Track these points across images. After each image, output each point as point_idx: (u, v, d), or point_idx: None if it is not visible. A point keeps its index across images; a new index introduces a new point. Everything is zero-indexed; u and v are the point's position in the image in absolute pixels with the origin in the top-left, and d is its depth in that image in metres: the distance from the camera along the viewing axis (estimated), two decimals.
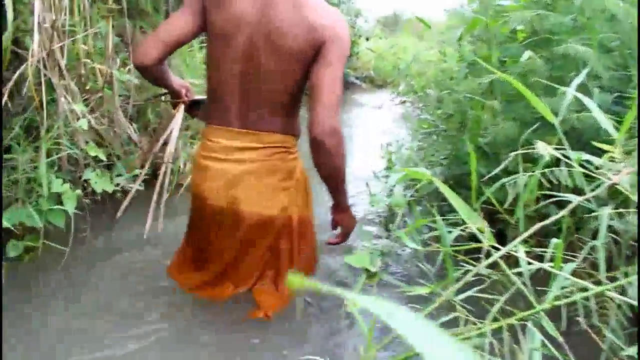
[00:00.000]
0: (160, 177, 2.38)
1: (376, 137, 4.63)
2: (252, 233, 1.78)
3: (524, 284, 1.10)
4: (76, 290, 1.98)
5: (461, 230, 1.78)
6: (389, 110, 6.63)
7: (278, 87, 1.67)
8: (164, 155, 3.23)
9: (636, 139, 1.53)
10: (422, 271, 1.95)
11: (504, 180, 1.64)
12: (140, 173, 3.06)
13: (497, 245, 1.13)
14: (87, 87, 2.74)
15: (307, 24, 1.58)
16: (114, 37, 3.11)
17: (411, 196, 2.64)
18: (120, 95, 3.13)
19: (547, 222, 1.22)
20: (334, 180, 1.73)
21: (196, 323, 1.80)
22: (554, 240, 1.12)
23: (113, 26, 3.56)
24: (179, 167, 3.18)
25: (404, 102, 6.62)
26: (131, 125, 3.15)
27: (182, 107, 2.05)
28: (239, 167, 1.73)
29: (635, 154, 1.27)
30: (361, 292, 1.68)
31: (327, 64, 1.59)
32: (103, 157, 2.41)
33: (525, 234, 1.14)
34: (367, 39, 7.59)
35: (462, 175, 2.23)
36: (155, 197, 2.27)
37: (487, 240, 1.15)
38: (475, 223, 1.11)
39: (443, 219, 1.44)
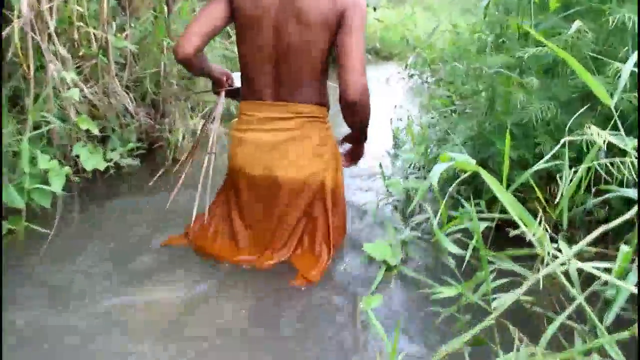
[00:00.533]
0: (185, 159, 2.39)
1: (385, 112, 4.41)
2: (287, 198, 1.87)
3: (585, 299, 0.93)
4: (57, 278, 1.81)
5: (491, 222, 1.61)
6: (397, 84, 6.38)
7: (307, 58, 1.77)
8: (170, 130, 3.06)
9: None
10: (442, 263, 1.78)
11: (540, 165, 1.45)
12: (136, 148, 2.89)
13: (556, 252, 0.95)
14: (80, 54, 2.52)
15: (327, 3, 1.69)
16: (110, 0, 2.88)
17: (425, 179, 2.46)
18: (116, 63, 2.91)
19: (611, 225, 1.04)
20: (364, 129, 1.90)
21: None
22: (624, 248, 0.94)
23: None
24: (177, 140, 2.98)
25: (412, 75, 6.36)
26: (128, 95, 2.94)
27: (223, 93, 2.08)
28: (274, 136, 1.84)
29: None
30: (379, 287, 1.50)
31: (351, 30, 1.70)
32: (95, 130, 2.21)
33: (590, 237, 0.97)
34: (375, 9, 7.26)
35: (487, 159, 2.04)
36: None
37: (544, 245, 0.97)
38: (532, 228, 0.94)
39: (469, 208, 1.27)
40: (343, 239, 2.05)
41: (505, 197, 0.91)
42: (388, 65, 8.26)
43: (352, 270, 1.89)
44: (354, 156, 2.09)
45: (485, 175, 0.95)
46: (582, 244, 0.92)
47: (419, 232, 2.02)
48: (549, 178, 1.96)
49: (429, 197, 2.42)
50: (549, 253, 0.93)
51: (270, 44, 1.77)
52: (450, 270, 1.60)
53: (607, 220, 1.81)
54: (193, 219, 1.99)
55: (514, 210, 0.91)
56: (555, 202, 1.78)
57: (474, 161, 1.02)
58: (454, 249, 1.19)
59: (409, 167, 2.79)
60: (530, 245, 1.08)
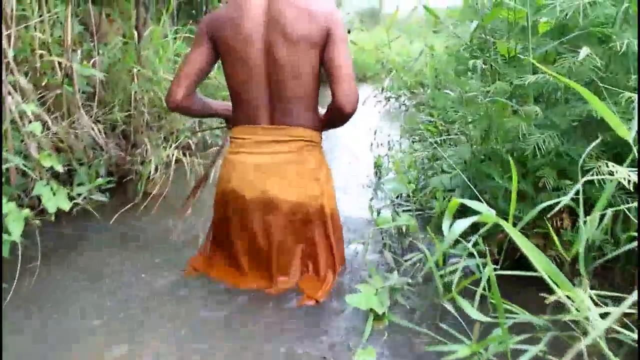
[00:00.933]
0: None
1: (363, 137, 4.31)
2: (284, 220, 1.86)
3: None
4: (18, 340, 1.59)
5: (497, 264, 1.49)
6: (374, 107, 6.30)
7: (298, 78, 1.80)
8: (142, 162, 2.88)
9: None
10: (440, 309, 1.64)
11: (548, 202, 1.33)
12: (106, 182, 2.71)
13: (595, 313, 0.82)
14: (43, 83, 2.35)
15: (311, 14, 1.75)
16: (76, 25, 2.72)
17: (418, 213, 2.32)
18: (83, 93, 2.74)
19: None
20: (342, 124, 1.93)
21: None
22: None
23: (77, 14, 3.16)
24: (150, 172, 2.80)
25: (389, 98, 6.30)
26: (96, 126, 2.76)
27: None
28: (271, 159, 1.84)
29: None
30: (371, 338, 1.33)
31: (338, 44, 1.78)
32: (60, 167, 2.03)
33: (632, 299, 0.84)
34: (349, 32, 7.22)
35: (482, 191, 1.93)
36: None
37: (577, 306, 0.84)
38: (566, 289, 0.81)
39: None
40: (342, 267, 2.04)
41: (545, 266, 0.78)
42: (362, 87, 8.20)
43: (343, 319, 1.73)
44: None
45: (518, 238, 0.82)
46: (627, 304, 0.79)
47: (411, 273, 1.87)
48: (550, 208, 1.86)
49: (420, 231, 2.29)
50: (587, 318, 0.80)
51: (261, 67, 1.80)
52: (450, 316, 1.46)
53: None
54: (200, 249, 2.09)
55: (554, 278, 0.78)
56: (564, 237, 1.69)
57: (493, 212, 0.89)
58: (478, 316, 1.05)
59: (397, 198, 2.66)
60: (545, 288, 0.96)
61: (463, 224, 0.89)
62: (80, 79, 2.65)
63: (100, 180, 2.25)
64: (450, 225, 0.96)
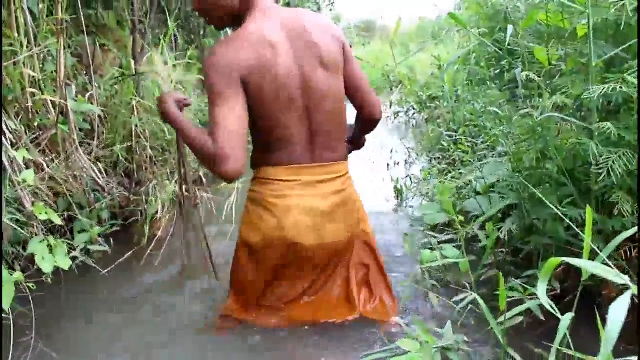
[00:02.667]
0: None
1: (376, 154, 4.08)
2: (338, 258, 1.80)
3: None
4: None
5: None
6: (383, 122, 6.10)
7: (337, 104, 1.71)
8: (147, 201, 2.66)
9: None
10: None
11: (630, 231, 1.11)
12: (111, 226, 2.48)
13: None
14: (36, 124, 2.13)
15: (332, 34, 1.69)
16: (69, 58, 2.52)
17: (457, 244, 2.08)
18: (80, 130, 2.53)
19: None
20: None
21: None
22: None
23: (69, 45, 2.97)
24: (155, 212, 2.57)
25: (398, 113, 6.11)
26: (96, 166, 2.55)
27: None
28: (324, 201, 1.72)
29: None
30: None
31: (352, 59, 1.77)
32: (57, 219, 1.81)
33: None
34: (350, 46, 7.05)
35: (531, 225, 1.70)
36: None
37: None
38: None
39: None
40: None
41: None
42: None
43: None
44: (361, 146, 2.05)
45: None
46: None
47: (463, 331, 1.61)
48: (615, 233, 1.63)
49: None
50: None
51: (300, 101, 1.64)
52: None
53: None
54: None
55: None
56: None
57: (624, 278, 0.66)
58: None
59: (432, 229, 2.41)
60: None
61: (619, 310, 0.65)
62: (77, 115, 2.45)
63: (97, 230, 2.02)
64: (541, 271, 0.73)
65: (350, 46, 1.82)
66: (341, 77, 1.70)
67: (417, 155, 3.86)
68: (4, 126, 1.93)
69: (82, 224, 2.27)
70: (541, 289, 0.85)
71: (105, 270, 2.19)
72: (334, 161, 1.74)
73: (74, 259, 2.03)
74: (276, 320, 1.78)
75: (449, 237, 2.18)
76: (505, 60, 3.24)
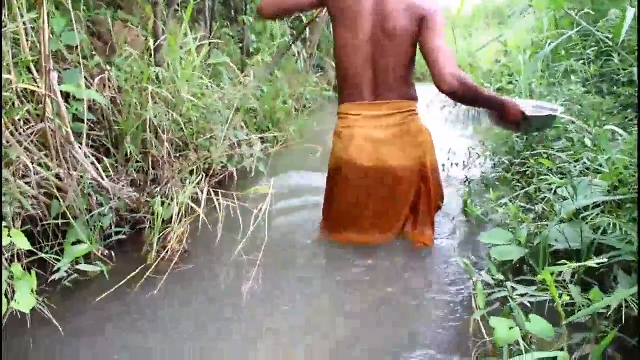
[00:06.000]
0: None
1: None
2: (398, 182, 2.15)
3: None
4: None
5: None
6: (440, 110, 5.53)
7: (398, 61, 2.07)
8: (162, 203, 2.25)
9: None
10: None
11: None
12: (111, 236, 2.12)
13: None
14: (17, 117, 1.77)
15: (407, 5, 2.00)
16: (75, 35, 2.14)
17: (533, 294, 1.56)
18: (88, 121, 2.15)
19: None
20: (474, 104, 2.15)
21: None
22: None
23: (88, 20, 2.61)
24: (169, 219, 2.16)
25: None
26: (103, 162, 2.18)
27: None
28: (382, 132, 2.12)
29: None
30: None
31: (430, 30, 1.97)
32: (24, 244, 1.44)
33: None
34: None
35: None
36: None
37: None
38: None
39: None
40: (442, 202, 2.38)
41: None
42: (422, 86, 7.42)
43: None
44: (502, 120, 2.05)
45: None
46: None
47: None
48: None
49: None
50: None
51: (367, 48, 2.06)
52: None
53: None
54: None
55: None
56: None
57: None
58: None
59: (502, 265, 1.90)
60: None
61: None
62: (77, 104, 2.08)
63: (84, 248, 1.65)
64: None
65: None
66: (408, 42, 2.02)
67: (479, 155, 3.32)
68: None
69: (75, 233, 1.91)
70: None
71: (98, 299, 1.79)
72: (395, 100, 2.11)
73: (55, 283, 1.67)
74: (348, 238, 2.23)
75: (531, 290, 1.63)
76: (617, 56, 2.67)
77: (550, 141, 2.66)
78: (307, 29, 5.17)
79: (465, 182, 2.86)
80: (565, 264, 1.31)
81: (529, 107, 2.12)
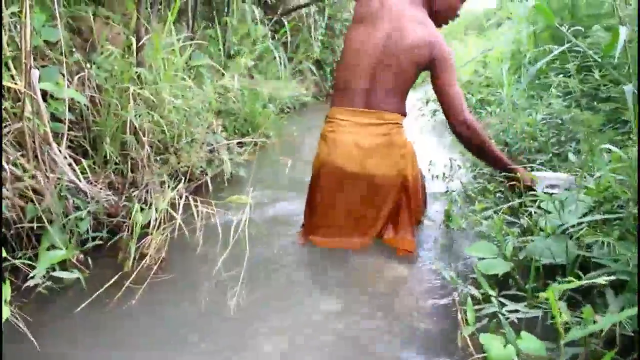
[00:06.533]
0: None
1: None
2: (379, 190, 2.18)
3: None
4: None
5: None
6: (415, 120, 5.52)
7: (398, 79, 2.14)
8: (141, 209, 2.16)
9: None
10: None
11: None
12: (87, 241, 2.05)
13: None
14: None
15: (421, 41, 2.10)
16: (57, 31, 2.07)
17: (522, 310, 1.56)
18: (70, 123, 2.08)
19: None
20: (480, 155, 2.25)
21: None
22: None
23: (74, 17, 2.53)
24: (149, 222, 2.09)
25: (436, 111, 5.55)
26: (81, 164, 2.11)
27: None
28: (368, 141, 2.15)
29: None
30: None
31: (441, 71, 2.11)
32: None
33: None
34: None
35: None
36: None
37: None
38: None
39: None
40: (423, 213, 2.50)
41: None
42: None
43: None
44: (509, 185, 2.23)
45: None
46: None
47: None
48: None
49: None
50: None
51: (372, 58, 2.13)
52: None
53: None
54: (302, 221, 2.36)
55: None
56: None
57: None
58: None
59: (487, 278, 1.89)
60: None
61: None
62: (57, 103, 2.01)
63: (60, 255, 1.58)
64: None
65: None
66: (415, 71, 2.13)
67: (459, 167, 3.33)
68: None
69: (51, 238, 1.84)
70: None
71: (75, 310, 1.70)
72: (384, 110, 2.14)
73: (29, 291, 1.59)
74: (327, 241, 2.24)
75: (520, 306, 1.60)
76: (598, 71, 2.71)
77: (533, 153, 2.68)
78: (288, 32, 5.15)
79: (446, 192, 2.86)
80: (557, 280, 1.31)
81: (544, 180, 2.16)
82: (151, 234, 2.04)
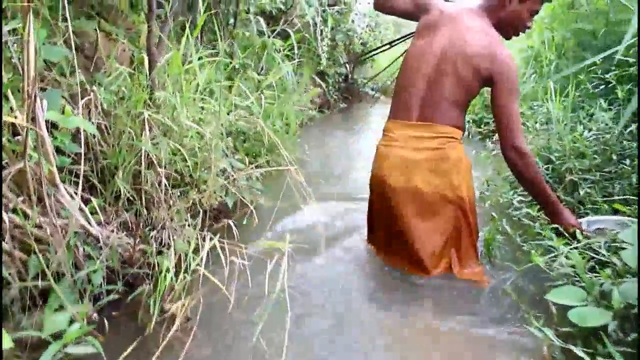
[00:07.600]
0: None
1: None
2: (429, 207, 2.06)
3: None
4: None
5: None
6: None
7: (455, 86, 2.03)
8: (160, 252, 1.84)
9: None
10: None
11: None
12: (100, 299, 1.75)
13: None
14: None
15: (483, 50, 1.99)
16: (58, 49, 1.77)
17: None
18: (72, 154, 1.78)
19: None
20: (531, 190, 2.05)
21: None
22: None
23: (75, 32, 2.22)
24: (169, 272, 1.78)
25: (467, 121, 5.30)
26: (86, 205, 1.80)
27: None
28: (416, 155, 2.06)
29: None
30: None
31: (499, 91, 1.97)
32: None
33: None
34: (391, 45, 6.18)
35: None
36: None
37: None
38: None
39: None
40: (477, 238, 2.20)
41: None
42: None
43: None
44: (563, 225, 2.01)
45: None
46: None
47: None
48: None
49: None
50: None
51: (430, 68, 2.06)
52: None
53: None
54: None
55: None
56: None
57: None
58: None
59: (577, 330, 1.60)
60: None
61: None
62: (65, 134, 1.70)
63: (74, 331, 1.27)
64: None
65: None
66: (476, 84, 2.02)
67: (495, 185, 3.06)
68: None
69: (59, 299, 1.53)
70: None
71: None
72: (438, 123, 2.04)
73: None
74: (385, 258, 2.21)
75: None
76: None
77: (582, 173, 2.42)
78: (294, 43, 4.88)
79: (492, 219, 2.54)
80: None
81: (592, 224, 2.03)
82: (174, 290, 1.72)
